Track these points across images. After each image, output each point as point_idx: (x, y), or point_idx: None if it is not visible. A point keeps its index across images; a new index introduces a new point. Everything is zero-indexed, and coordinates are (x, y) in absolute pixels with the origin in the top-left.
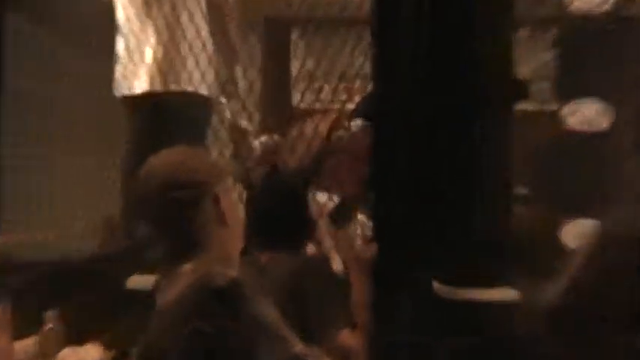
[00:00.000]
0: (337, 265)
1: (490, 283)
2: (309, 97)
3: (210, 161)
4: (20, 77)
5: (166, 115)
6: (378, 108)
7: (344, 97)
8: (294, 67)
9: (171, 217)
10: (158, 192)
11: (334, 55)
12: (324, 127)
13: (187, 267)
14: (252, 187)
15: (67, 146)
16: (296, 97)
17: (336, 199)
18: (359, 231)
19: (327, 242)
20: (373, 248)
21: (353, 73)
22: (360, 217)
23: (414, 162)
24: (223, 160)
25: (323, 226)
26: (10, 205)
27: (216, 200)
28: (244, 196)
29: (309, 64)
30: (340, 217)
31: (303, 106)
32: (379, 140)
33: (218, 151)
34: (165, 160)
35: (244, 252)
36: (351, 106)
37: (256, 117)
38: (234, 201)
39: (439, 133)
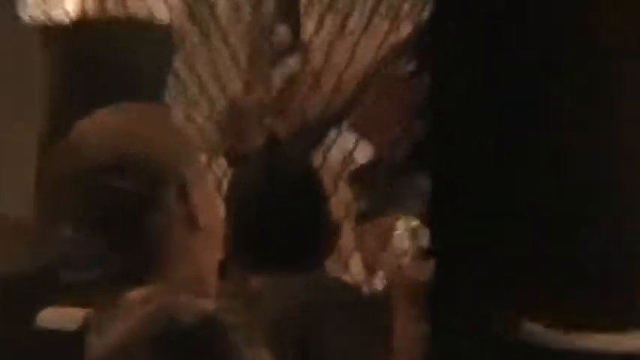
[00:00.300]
0: (374, 283)
1: (622, 328)
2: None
3: (174, 129)
4: None
5: (104, 53)
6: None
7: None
8: None
9: (111, 218)
10: (91, 178)
11: None
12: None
13: (137, 294)
14: (239, 169)
15: None
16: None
17: (366, 152)
18: (406, 241)
19: (349, 244)
20: (429, 268)
21: None
22: (407, 220)
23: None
24: (193, 127)
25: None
26: None
27: (184, 192)
28: (225, 183)
29: None
30: (368, 185)
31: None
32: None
33: (183, 112)
34: (102, 125)
35: (224, 272)
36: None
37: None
38: (210, 192)
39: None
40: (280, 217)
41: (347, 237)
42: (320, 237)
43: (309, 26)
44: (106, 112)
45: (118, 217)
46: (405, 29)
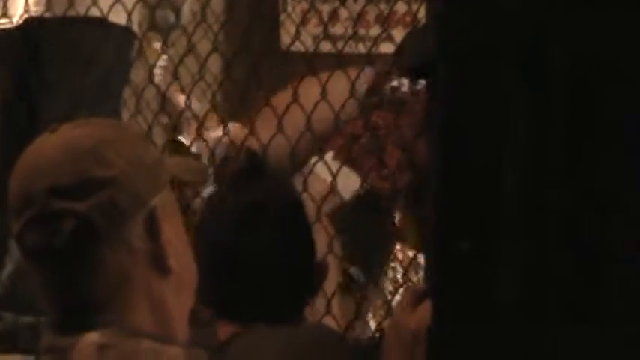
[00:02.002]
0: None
1: None
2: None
3: (143, 150)
4: None
5: (53, 58)
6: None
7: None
8: None
9: (64, 251)
10: (42, 203)
11: None
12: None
13: (90, 339)
14: (212, 201)
15: None
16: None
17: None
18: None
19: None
20: (425, 309)
21: None
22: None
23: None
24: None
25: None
26: None
27: (153, 226)
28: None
29: None
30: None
31: (296, 49)
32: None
33: (146, 124)
34: (63, 142)
35: (195, 319)
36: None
37: (217, 65)
38: (180, 229)
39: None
40: (257, 253)
41: (331, 276)
42: (304, 280)
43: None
44: (69, 128)
45: (72, 251)
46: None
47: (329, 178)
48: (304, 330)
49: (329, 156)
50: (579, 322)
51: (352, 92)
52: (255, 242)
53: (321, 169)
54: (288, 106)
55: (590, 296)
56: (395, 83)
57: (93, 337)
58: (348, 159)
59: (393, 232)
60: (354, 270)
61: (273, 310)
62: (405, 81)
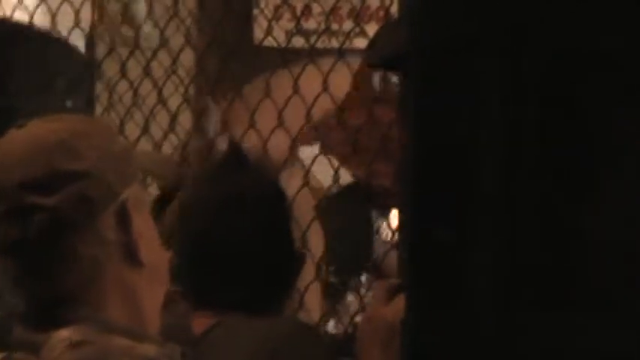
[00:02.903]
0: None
1: None
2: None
3: (113, 144)
4: None
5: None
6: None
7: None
8: None
9: (35, 245)
10: (12, 198)
11: None
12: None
13: (62, 335)
14: (192, 187)
15: None
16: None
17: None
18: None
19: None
20: (400, 302)
21: None
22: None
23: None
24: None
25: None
26: None
27: (124, 219)
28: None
29: None
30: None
31: (269, 44)
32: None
33: (119, 119)
34: (32, 137)
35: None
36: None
37: (189, 59)
38: (151, 221)
39: None
40: (236, 246)
41: (307, 269)
42: (282, 270)
43: None
44: (38, 123)
45: (42, 245)
46: None
47: (319, 174)
48: (279, 324)
49: (312, 149)
50: (555, 309)
51: (325, 87)
52: (233, 231)
53: (316, 166)
54: (260, 101)
55: (565, 283)
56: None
57: (65, 333)
58: (349, 152)
59: (373, 228)
60: (333, 279)
61: (251, 299)
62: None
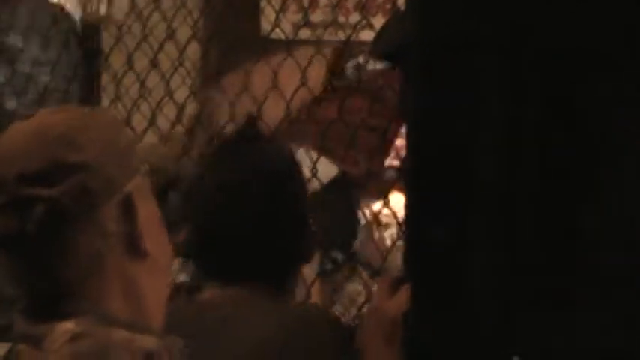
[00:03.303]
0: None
1: None
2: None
3: (117, 135)
4: None
5: None
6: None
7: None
8: None
9: (36, 237)
10: (13, 189)
11: None
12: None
13: (64, 327)
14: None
15: None
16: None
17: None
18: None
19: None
20: (403, 296)
21: None
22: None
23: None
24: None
25: None
26: None
27: (128, 209)
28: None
29: None
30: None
31: (276, 36)
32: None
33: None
34: (36, 128)
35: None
36: (366, 37)
37: (196, 51)
38: (155, 213)
39: None
40: (250, 220)
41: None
42: (296, 244)
43: None
44: (42, 114)
45: (43, 237)
46: None
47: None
48: (294, 309)
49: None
50: (555, 309)
51: (302, 80)
52: (246, 206)
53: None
54: (239, 93)
55: (563, 283)
56: (359, 61)
57: (67, 326)
58: (322, 145)
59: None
60: (334, 253)
61: (264, 274)
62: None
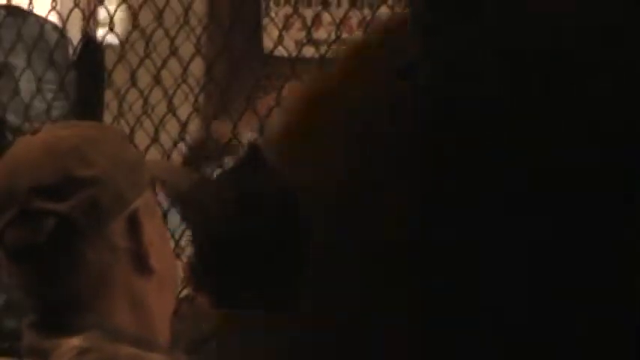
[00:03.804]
0: None
1: None
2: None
3: (125, 152)
4: None
5: None
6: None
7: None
8: None
9: (45, 250)
10: (23, 202)
11: None
12: None
13: (72, 343)
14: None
15: None
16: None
17: None
18: None
19: None
20: None
21: None
22: None
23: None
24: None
25: None
26: None
27: (134, 225)
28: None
29: None
30: None
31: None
32: None
33: (129, 127)
34: (47, 142)
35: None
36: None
37: (199, 67)
38: (162, 229)
39: None
40: (252, 245)
41: None
42: (296, 267)
43: None
44: (52, 128)
45: (50, 248)
46: None
47: None
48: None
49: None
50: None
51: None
52: (249, 232)
53: None
54: (271, 110)
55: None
56: None
57: (74, 341)
58: None
59: None
60: None
61: (266, 298)
62: None
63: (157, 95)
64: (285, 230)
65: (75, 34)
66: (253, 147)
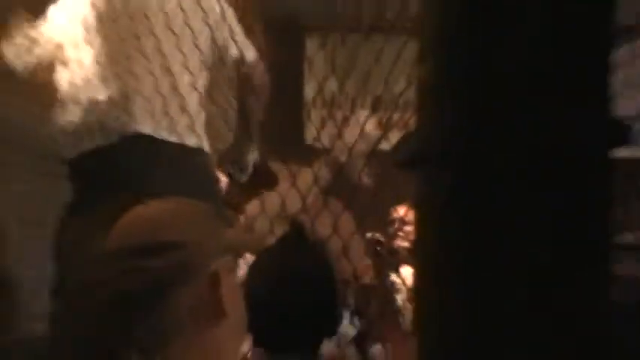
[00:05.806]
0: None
1: None
2: (328, 132)
3: (210, 225)
4: None
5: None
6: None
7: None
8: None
9: (137, 294)
10: (123, 259)
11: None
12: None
13: None
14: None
15: None
16: (311, 132)
17: None
18: None
19: None
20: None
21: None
22: None
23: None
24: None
25: None
26: None
27: (215, 279)
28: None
29: (330, 85)
30: None
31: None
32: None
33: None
34: (144, 212)
35: None
36: (386, 146)
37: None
38: (236, 287)
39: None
40: (292, 309)
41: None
42: (326, 325)
43: None
44: (154, 203)
45: (144, 293)
46: None
47: None
48: None
49: None
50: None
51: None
52: (290, 301)
53: None
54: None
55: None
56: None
57: None
58: None
59: None
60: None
61: (303, 343)
62: None
63: None
64: (319, 302)
65: None
66: (296, 225)
